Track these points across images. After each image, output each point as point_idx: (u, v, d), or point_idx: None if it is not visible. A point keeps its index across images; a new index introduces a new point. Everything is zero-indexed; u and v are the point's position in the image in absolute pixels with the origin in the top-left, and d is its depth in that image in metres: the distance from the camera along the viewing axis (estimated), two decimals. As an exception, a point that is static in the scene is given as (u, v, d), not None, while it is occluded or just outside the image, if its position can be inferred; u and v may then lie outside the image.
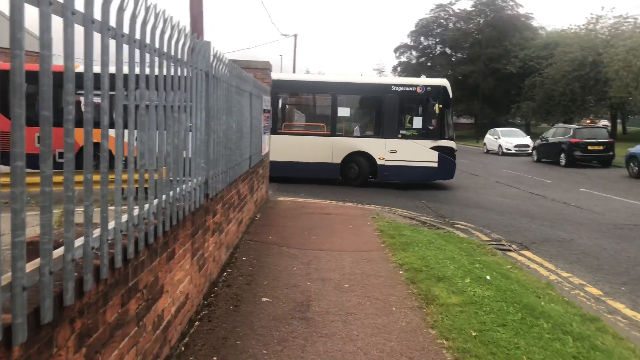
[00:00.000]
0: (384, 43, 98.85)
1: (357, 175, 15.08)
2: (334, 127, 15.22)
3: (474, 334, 4.25)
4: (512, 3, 48.48)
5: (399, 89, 14.89)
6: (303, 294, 5.10)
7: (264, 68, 10.19)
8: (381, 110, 15.05)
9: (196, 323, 4.27)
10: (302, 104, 17.06)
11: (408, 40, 54.88)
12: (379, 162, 14.88)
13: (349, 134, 15.58)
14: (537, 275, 6.60)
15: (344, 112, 15.33)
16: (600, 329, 4.67)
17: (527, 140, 30.61)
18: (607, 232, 9.32)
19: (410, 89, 14.85)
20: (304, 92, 16.34)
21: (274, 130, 14.14)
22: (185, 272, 4.00)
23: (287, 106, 16.46)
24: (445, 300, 5.00)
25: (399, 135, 14.87)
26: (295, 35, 41.50)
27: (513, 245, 8.27)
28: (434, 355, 3.88)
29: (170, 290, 3.60)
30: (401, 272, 6.02)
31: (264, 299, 4.92)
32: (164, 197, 3.38)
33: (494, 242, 8.41)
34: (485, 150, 33.07)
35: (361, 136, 15.49)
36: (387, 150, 14.78)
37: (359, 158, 15.00)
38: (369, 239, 7.65)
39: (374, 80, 16.68)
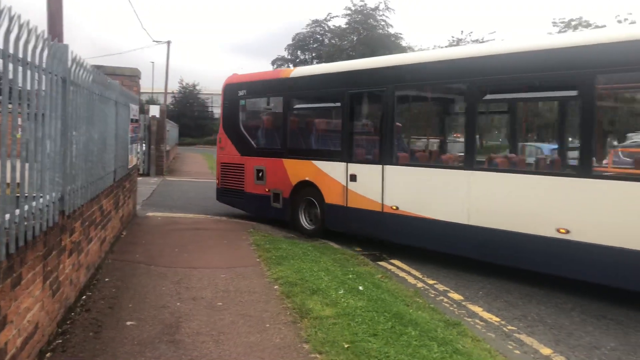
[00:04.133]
0: (263, 55, 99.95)
1: None
2: None
3: (346, 345, 4.30)
4: (383, 23, 51.07)
5: None
6: (172, 315, 4.84)
7: (132, 75, 9.69)
8: None
9: (48, 354, 3.85)
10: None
11: (285, 54, 55.61)
12: None
13: None
14: (406, 284, 6.90)
15: None
16: (461, 333, 4.96)
17: None
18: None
19: None
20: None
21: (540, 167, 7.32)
22: (35, 299, 3.59)
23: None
24: (319, 313, 5.03)
25: None
26: (169, 42, 39.99)
27: (384, 255, 8.58)
28: (307, 371, 3.86)
29: (16, 320, 3.20)
30: (276, 286, 5.97)
31: (128, 323, 4.58)
32: (7, 216, 3.01)
33: (367, 252, 8.66)
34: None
35: None
36: None
37: None
38: (244, 254, 7.52)
39: None
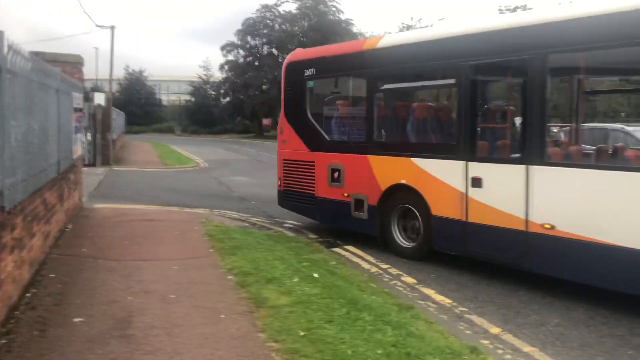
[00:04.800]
0: (214, 41, 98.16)
1: None
2: None
3: (302, 333, 4.31)
4: (333, 9, 51.00)
5: None
6: (123, 310, 4.71)
7: (74, 62, 9.30)
8: None
9: (-9, 356, 3.69)
10: None
11: (235, 39, 54.72)
12: None
13: None
14: (360, 269, 6.97)
15: None
16: (415, 316, 5.06)
17: None
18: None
19: None
20: None
21: None
22: (-25, 300, 3.42)
23: None
24: (274, 302, 5.02)
25: None
26: (113, 27, 38.37)
27: (338, 241, 8.62)
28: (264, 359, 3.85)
29: (-47, 323, 3.04)
30: (230, 276, 5.91)
31: (76, 320, 4.43)
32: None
33: (321, 239, 8.70)
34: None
35: None
36: None
37: None
38: (197, 245, 7.40)
39: None
